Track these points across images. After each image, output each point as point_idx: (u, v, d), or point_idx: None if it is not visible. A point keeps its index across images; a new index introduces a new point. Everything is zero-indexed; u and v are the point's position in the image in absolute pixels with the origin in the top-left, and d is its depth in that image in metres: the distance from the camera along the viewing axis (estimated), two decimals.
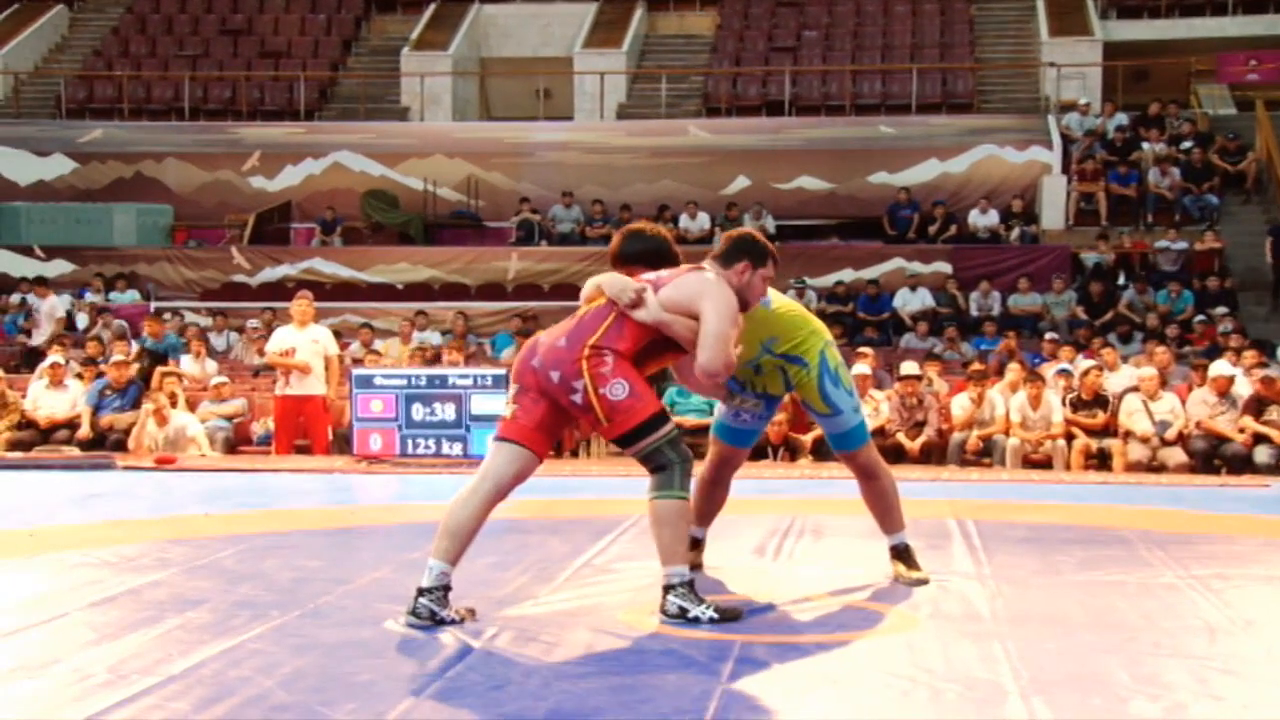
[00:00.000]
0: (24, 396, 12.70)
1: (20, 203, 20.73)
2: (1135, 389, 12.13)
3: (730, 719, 3.66)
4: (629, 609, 5.00)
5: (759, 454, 11.75)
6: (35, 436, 12.27)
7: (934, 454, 11.91)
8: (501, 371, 11.13)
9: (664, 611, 4.70)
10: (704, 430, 12.34)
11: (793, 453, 11.79)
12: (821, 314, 17.99)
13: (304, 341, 11.48)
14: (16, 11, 25.01)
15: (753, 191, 20.63)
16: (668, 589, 4.74)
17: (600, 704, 3.80)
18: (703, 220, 20.11)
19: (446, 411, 10.32)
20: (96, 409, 12.34)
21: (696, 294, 4.81)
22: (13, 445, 11.99)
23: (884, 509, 5.69)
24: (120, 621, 4.77)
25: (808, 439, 11.97)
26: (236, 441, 12.56)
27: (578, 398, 4.74)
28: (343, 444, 11.44)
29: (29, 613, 4.95)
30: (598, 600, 5.20)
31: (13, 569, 5.90)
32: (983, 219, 19.65)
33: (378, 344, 15.49)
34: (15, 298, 18.70)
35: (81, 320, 17.77)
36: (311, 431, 11.63)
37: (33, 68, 24.37)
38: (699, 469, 5.28)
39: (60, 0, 25.65)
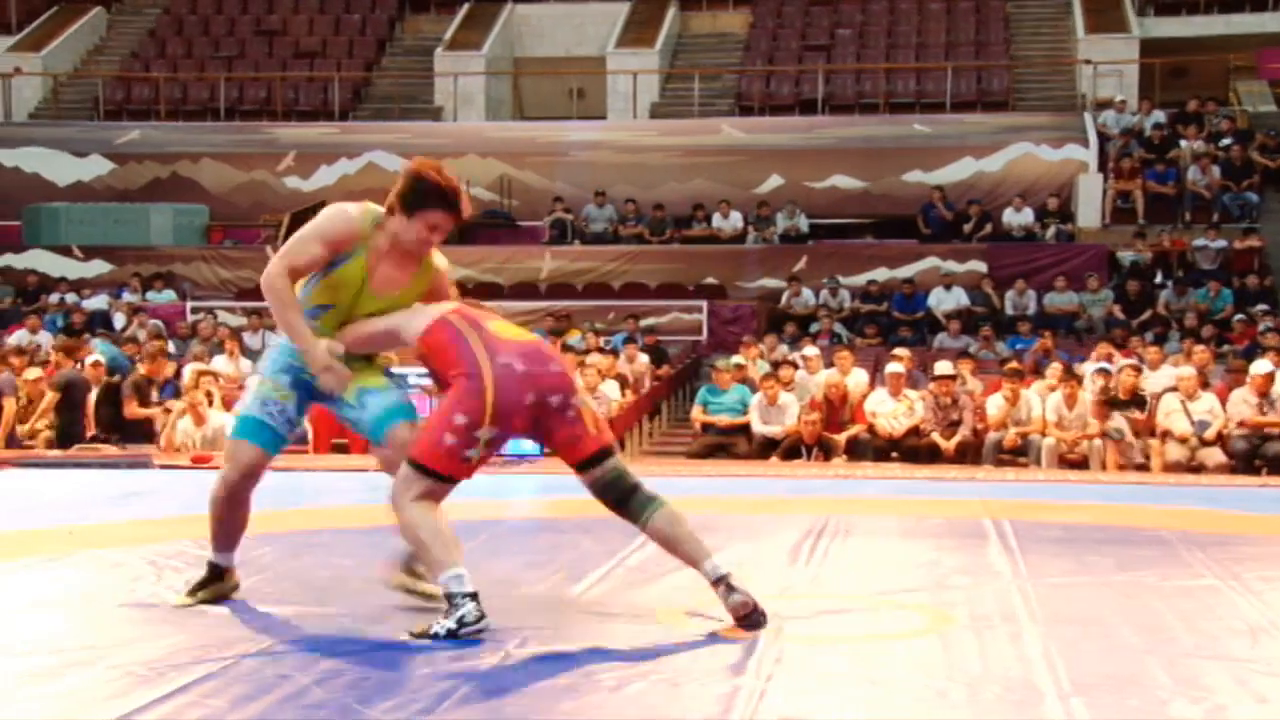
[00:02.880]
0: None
1: (59, 203, 20.89)
2: (1173, 389, 12.04)
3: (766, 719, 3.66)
4: (663, 609, 4.99)
5: (793, 454, 11.74)
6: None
7: (969, 453, 11.86)
8: None
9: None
10: (739, 429, 12.44)
11: (826, 452, 11.77)
12: (855, 313, 17.97)
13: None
14: (55, 14, 25.20)
15: (786, 190, 20.60)
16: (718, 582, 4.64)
17: (635, 704, 3.80)
18: (735, 219, 20.10)
19: None
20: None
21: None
22: (49, 444, 12.08)
23: None
24: (158, 619, 4.80)
25: (841, 439, 11.94)
26: None
27: (572, 413, 4.74)
28: None
29: (69, 609, 4.99)
30: (631, 600, 5.20)
31: (53, 566, 5.94)
32: (1018, 217, 19.55)
33: None
34: (54, 297, 18.86)
35: (119, 320, 17.90)
36: (349, 430, 11.64)
37: (71, 69, 24.56)
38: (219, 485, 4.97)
39: (98, 2, 25.83)
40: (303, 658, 4.25)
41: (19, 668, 4.20)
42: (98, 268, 19.80)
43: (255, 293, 19.00)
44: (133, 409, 12.24)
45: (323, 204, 21.72)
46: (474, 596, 4.45)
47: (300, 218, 20.72)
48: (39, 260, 19.93)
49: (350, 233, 4.79)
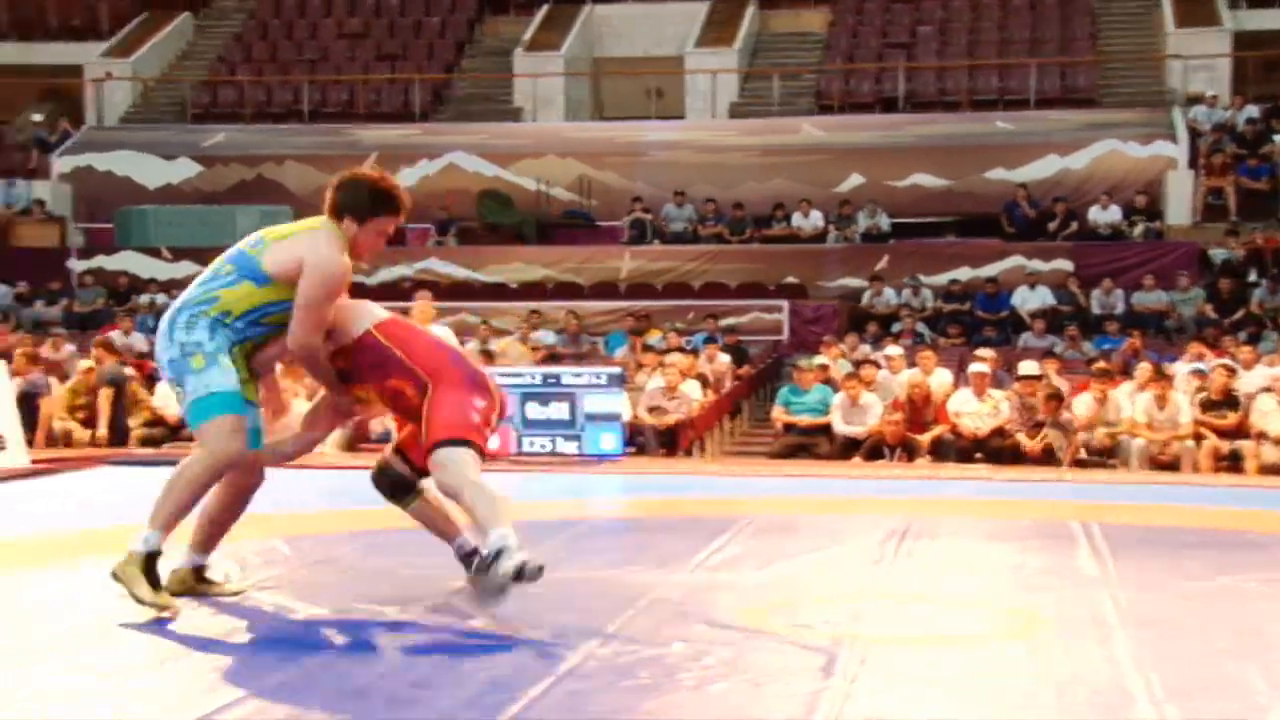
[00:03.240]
0: (154, 395, 12.99)
1: (149, 206, 21.23)
2: (1268, 389, 11.80)
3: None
4: (746, 608, 4.96)
5: (875, 454, 11.65)
6: (164, 433, 12.54)
7: (1055, 454, 11.69)
8: (616, 370, 11.15)
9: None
10: (821, 429, 12.36)
11: (910, 453, 11.66)
12: (938, 313, 17.80)
13: None
14: (145, 21, 25.61)
15: (867, 189, 20.43)
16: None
17: (717, 703, 3.78)
18: (815, 218, 19.97)
19: (561, 410, 10.36)
20: None
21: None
22: (143, 441, 12.28)
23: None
24: (248, 614, 4.85)
25: (925, 439, 11.83)
26: (356, 439, 12.71)
27: None
28: None
29: (195, 599, 5.06)
30: (714, 599, 5.17)
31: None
32: (1104, 215, 19.25)
33: (494, 343, 15.60)
34: (144, 298, 19.17)
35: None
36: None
37: (159, 74, 24.95)
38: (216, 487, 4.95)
39: (186, 8, 26.23)
40: (383, 654, 4.28)
41: (121, 659, 4.26)
42: (186, 268, 20.05)
43: None
44: None
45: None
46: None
47: None
48: (129, 261, 20.26)
49: (348, 274, 4.87)
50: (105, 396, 12.48)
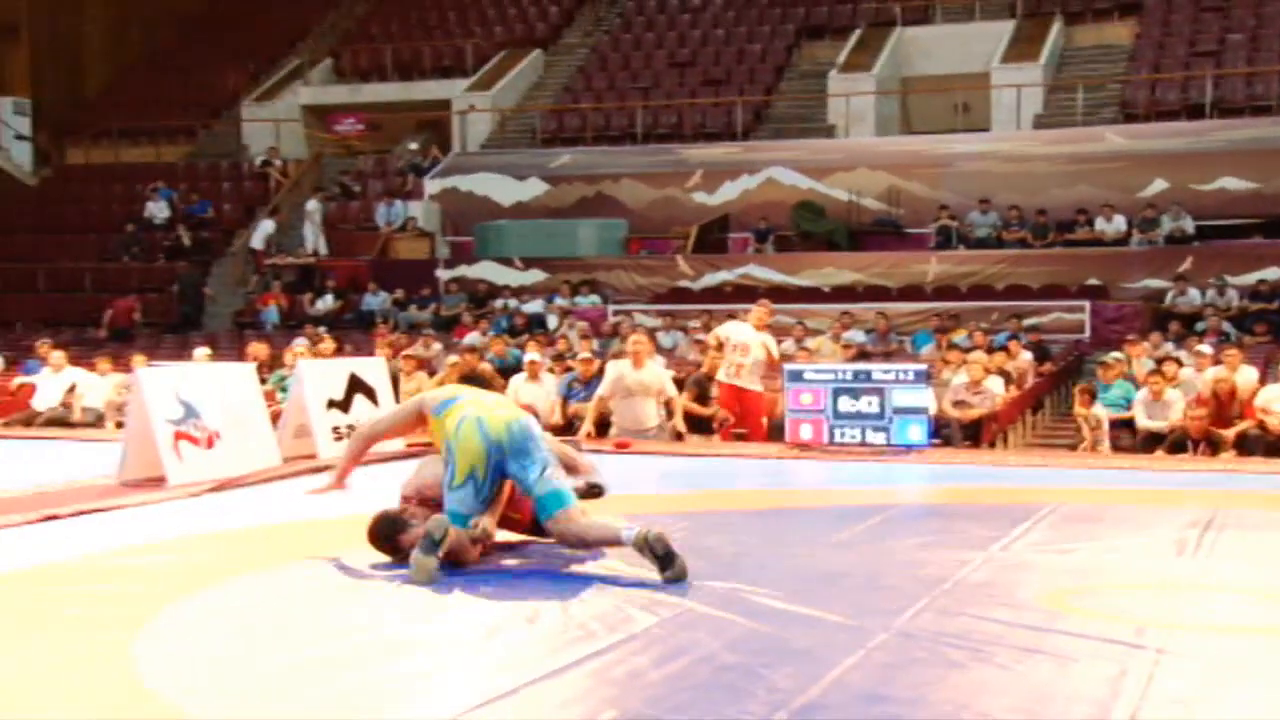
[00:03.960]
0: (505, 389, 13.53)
1: (503, 221, 22.15)
2: None
3: (1151, 709, 3.44)
4: (1048, 592, 4.78)
5: (1178, 448, 11.04)
6: None
7: None
8: (922, 367, 10.94)
9: None
10: (1123, 424, 11.79)
11: (1214, 448, 10.98)
12: (1243, 312, 16.72)
13: (756, 341, 11.68)
14: (503, 58, 26.73)
15: (1171, 193, 19.36)
16: None
17: (1023, 681, 3.66)
18: (1119, 223, 19.09)
19: (871, 404, 10.23)
20: (566, 399, 13.00)
21: None
22: None
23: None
24: (587, 584, 5.00)
25: (1229, 434, 11.13)
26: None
27: None
28: (776, 432, 11.55)
29: (513, 576, 5.27)
30: (1017, 582, 5.00)
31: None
32: None
33: (809, 342, 15.57)
34: (499, 303, 20.00)
35: (551, 321, 18.81)
36: (750, 421, 11.80)
37: (515, 105, 25.99)
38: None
39: (538, 45, 27.23)
40: (713, 624, 4.33)
41: (470, 621, 4.48)
42: (534, 276, 20.88)
43: (668, 297, 19.62)
44: (691, 405, 11.71)
45: (726, 217, 22.12)
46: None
47: (707, 229, 21.20)
48: (487, 271, 21.19)
49: None
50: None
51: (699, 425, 11.35)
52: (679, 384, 11.76)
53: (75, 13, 29.03)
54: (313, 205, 22.57)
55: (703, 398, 11.44)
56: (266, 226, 22.75)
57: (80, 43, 29.33)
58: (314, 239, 22.42)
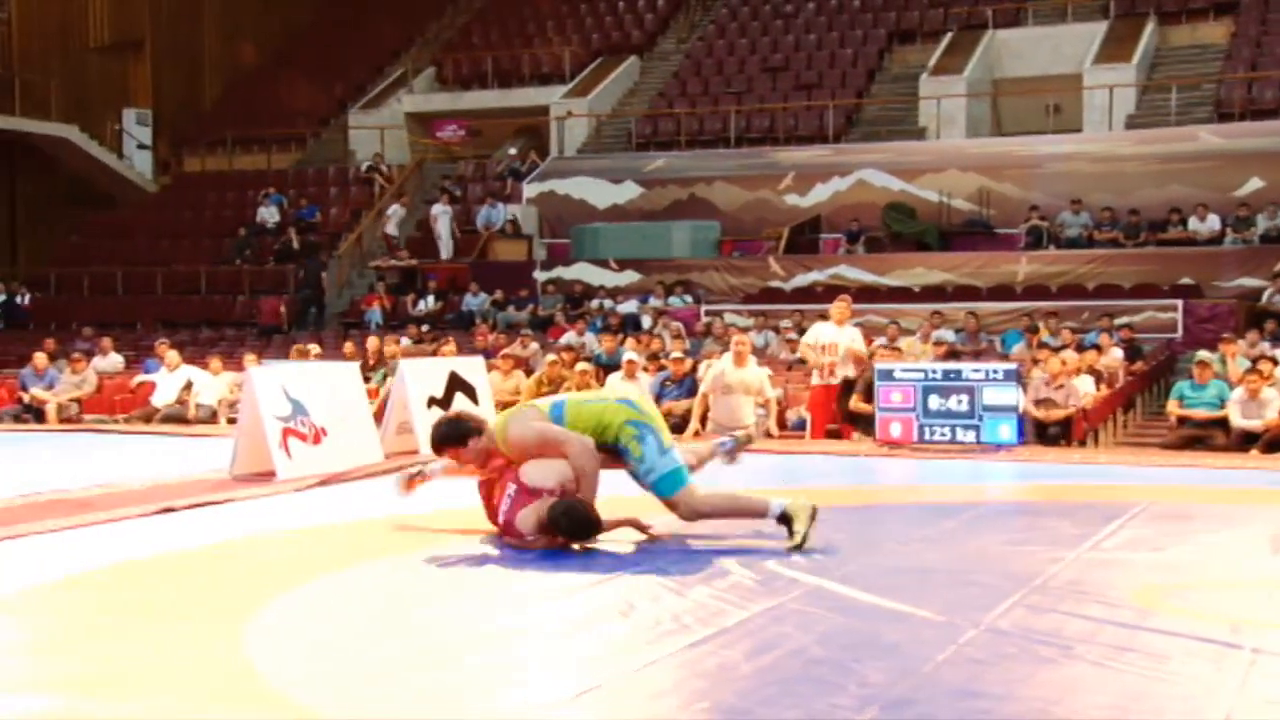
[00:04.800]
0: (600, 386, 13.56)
1: (599, 224, 22.22)
2: None
3: (1246, 709, 3.33)
4: (1139, 590, 4.67)
5: (1274, 447, 10.72)
6: None
7: None
8: (1012, 365, 10.77)
9: None
10: (1217, 423, 11.50)
11: None
12: None
13: (842, 338, 11.60)
14: (599, 65, 26.83)
15: (1267, 192, 18.82)
16: None
17: (1115, 680, 3.58)
18: (1212, 222, 18.61)
19: (960, 402, 10.10)
20: (659, 397, 13.00)
21: None
22: None
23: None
24: (679, 579, 4.99)
25: None
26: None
27: None
28: (864, 425, 11.43)
29: (607, 569, 5.28)
30: (1108, 580, 4.89)
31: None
32: None
33: (900, 341, 15.39)
34: (595, 303, 20.06)
35: (645, 321, 18.82)
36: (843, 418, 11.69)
37: (610, 110, 26.06)
38: None
39: (633, 53, 27.29)
40: (804, 619, 4.29)
41: (565, 614, 4.49)
42: (629, 277, 20.90)
43: (759, 297, 19.53)
44: (858, 404, 11.63)
45: (818, 218, 21.94)
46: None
47: (798, 231, 21.08)
48: (584, 272, 21.26)
49: None
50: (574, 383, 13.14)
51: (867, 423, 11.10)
52: (848, 385, 11.65)
53: (194, 27, 29.73)
54: (439, 209, 22.83)
55: (869, 398, 11.31)
56: (399, 212, 23.09)
57: (198, 56, 30.03)
58: (447, 242, 22.70)
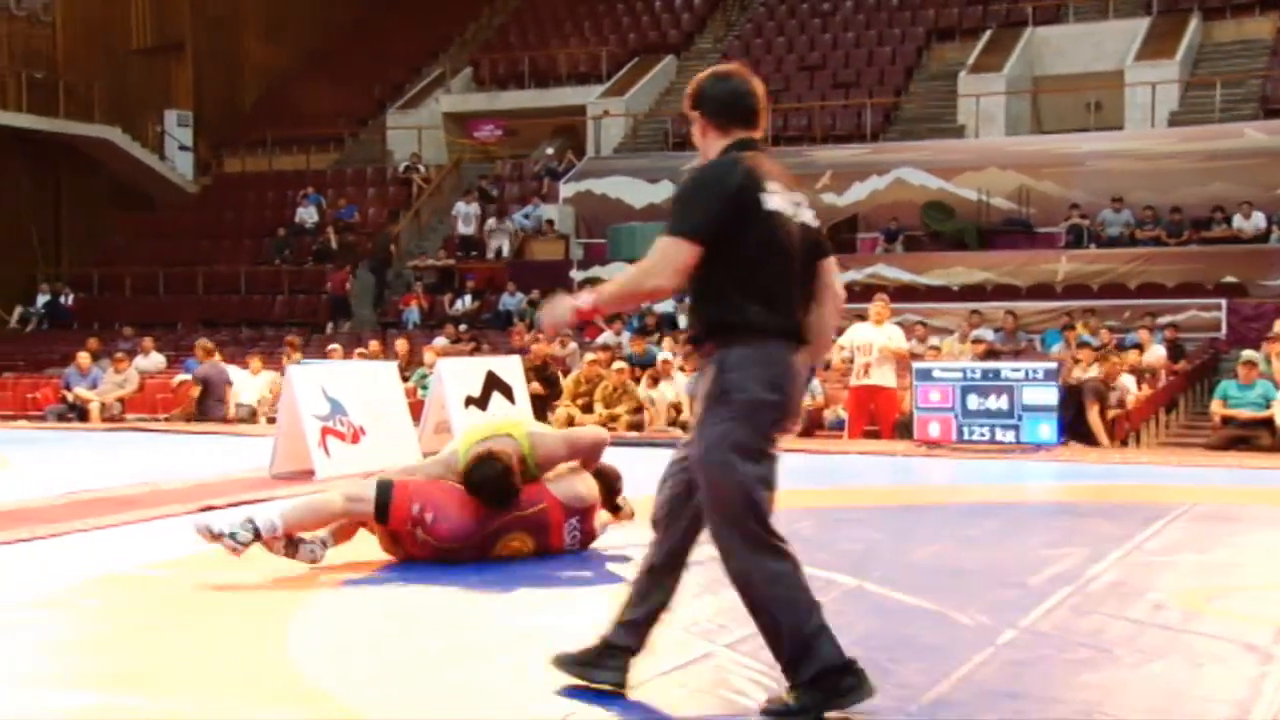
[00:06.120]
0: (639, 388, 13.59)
1: (635, 223, 22.21)
2: None
3: None
4: (1181, 592, 4.63)
5: None
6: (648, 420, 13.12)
7: None
8: (1052, 365, 10.69)
9: None
10: (1262, 423, 11.37)
11: None
12: None
13: (879, 337, 11.56)
14: (636, 64, 26.82)
15: None
16: None
17: (1156, 682, 3.55)
18: (1257, 219, 18.40)
19: (1000, 402, 10.05)
20: (693, 396, 12.97)
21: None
22: (631, 427, 12.88)
23: None
24: (710, 580, 4.98)
25: None
26: (810, 426, 12.81)
27: None
28: (904, 430, 11.40)
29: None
30: (1149, 582, 4.85)
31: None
32: None
33: (936, 339, 15.33)
34: None
35: (682, 321, 18.77)
36: (881, 418, 11.66)
37: (647, 110, 26.06)
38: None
39: (670, 52, 27.28)
40: (842, 619, 4.27)
41: (599, 614, 4.49)
42: None
43: None
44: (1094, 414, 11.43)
45: (855, 217, 21.81)
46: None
47: (836, 230, 21.00)
48: (619, 272, 21.22)
49: None
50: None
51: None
52: (1073, 392, 11.59)
53: (234, 30, 29.98)
54: (515, 220, 22.99)
55: (1104, 407, 11.25)
56: (467, 210, 23.11)
57: (237, 58, 30.28)
58: (508, 244, 22.78)
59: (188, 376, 15.45)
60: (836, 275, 3.58)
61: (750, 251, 3.25)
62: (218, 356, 15.14)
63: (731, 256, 3.23)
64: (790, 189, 3.46)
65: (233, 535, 4.93)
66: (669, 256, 3.24)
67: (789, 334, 3.28)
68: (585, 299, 3.41)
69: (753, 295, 3.24)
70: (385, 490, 5.23)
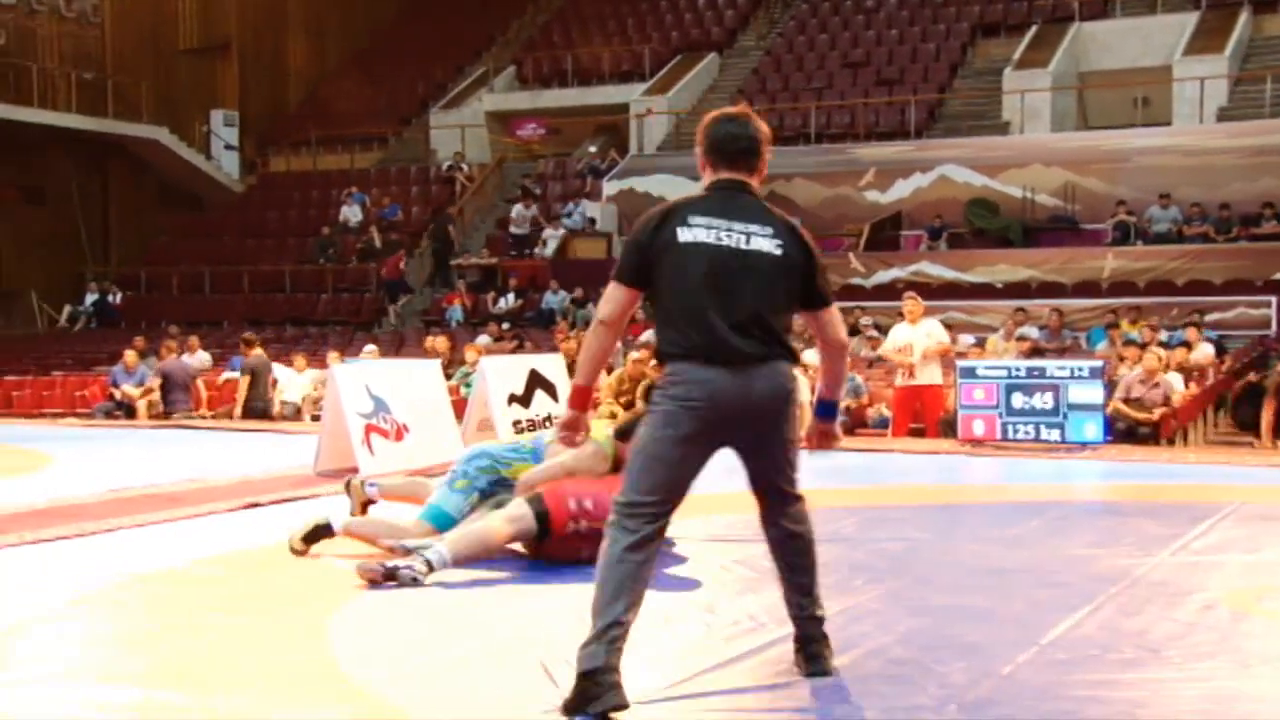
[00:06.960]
0: None
1: None
2: None
3: None
4: (1230, 591, 4.57)
5: None
6: None
7: None
8: (1098, 363, 10.59)
9: None
10: None
11: None
12: None
13: (918, 336, 11.47)
14: (679, 62, 26.79)
15: None
16: None
17: (1202, 681, 3.50)
18: None
19: (1045, 400, 9.95)
20: None
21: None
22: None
23: None
24: (754, 578, 4.97)
25: None
26: (852, 425, 12.74)
27: None
28: (948, 428, 11.31)
29: (690, 568, 5.28)
30: (1197, 581, 4.79)
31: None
32: None
33: (965, 337, 15.20)
34: None
35: None
36: (927, 417, 11.58)
37: (689, 107, 26.02)
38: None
39: (713, 50, 27.23)
40: (884, 618, 4.26)
41: (648, 610, 4.48)
42: None
43: (840, 294, 19.29)
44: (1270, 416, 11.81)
45: (899, 214, 21.70)
46: None
47: (879, 227, 20.89)
48: None
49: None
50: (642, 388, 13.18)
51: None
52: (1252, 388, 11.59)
53: (279, 31, 30.23)
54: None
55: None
56: (525, 212, 23.17)
57: (282, 58, 30.53)
58: (555, 244, 22.86)
59: (234, 374, 15.59)
60: (833, 325, 3.78)
61: (664, 283, 3.54)
62: (259, 349, 15.29)
63: (658, 290, 3.56)
64: (740, 222, 3.69)
65: (414, 580, 4.94)
66: (608, 298, 3.62)
67: (705, 354, 3.49)
68: (567, 404, 3.73)
69: (669, 323, 3.55)
70: (538, 501, 5.26)
